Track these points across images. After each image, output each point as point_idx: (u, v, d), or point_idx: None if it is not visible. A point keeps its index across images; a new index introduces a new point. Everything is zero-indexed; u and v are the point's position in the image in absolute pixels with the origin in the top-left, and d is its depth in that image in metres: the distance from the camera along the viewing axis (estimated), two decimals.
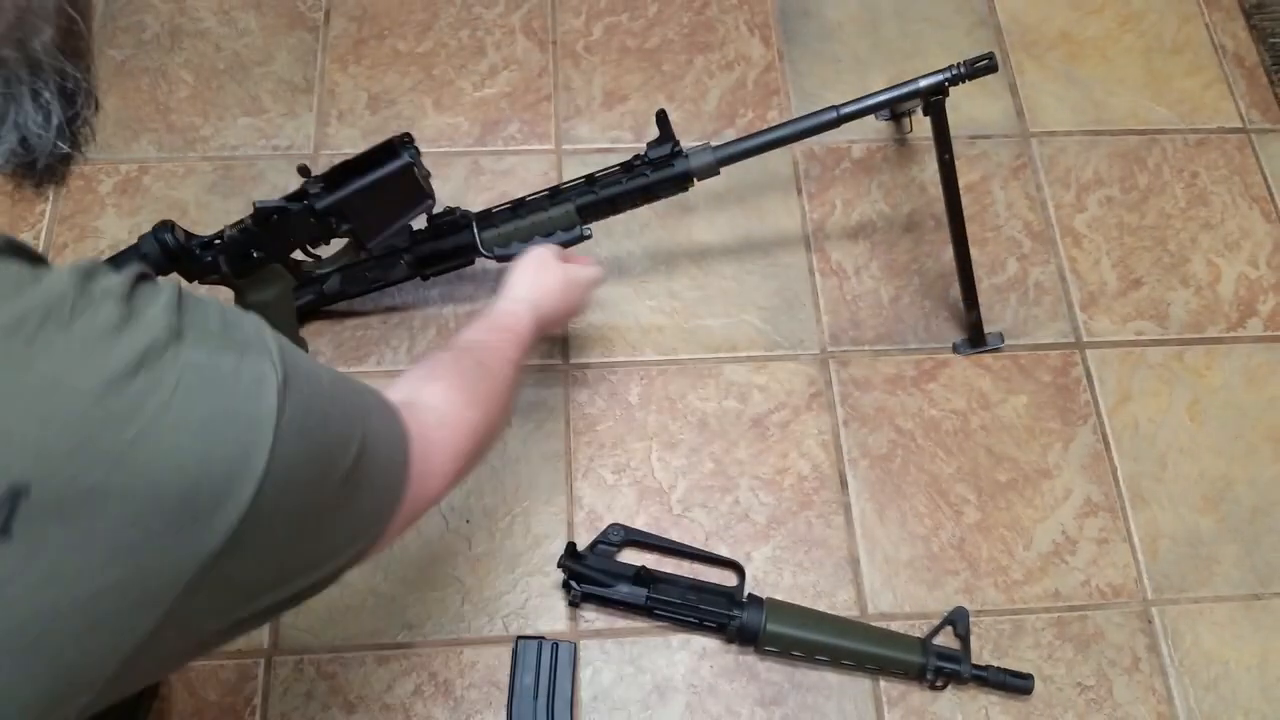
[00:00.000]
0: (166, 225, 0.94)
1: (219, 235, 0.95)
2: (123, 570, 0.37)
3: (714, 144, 1.00)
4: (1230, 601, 1.04)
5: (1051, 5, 1.38)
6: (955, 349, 1.15)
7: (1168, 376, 1.15)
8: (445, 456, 0.62)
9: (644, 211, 1.21)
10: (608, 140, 1.24)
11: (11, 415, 0.35)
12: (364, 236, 0.95)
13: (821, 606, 1.00)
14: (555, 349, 1.13)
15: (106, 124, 1.22)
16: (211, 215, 1.16)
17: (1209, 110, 1.32)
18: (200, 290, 0.95)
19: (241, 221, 0.95)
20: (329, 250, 1.02)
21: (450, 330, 1.14)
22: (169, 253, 0.93)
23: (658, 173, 0.99)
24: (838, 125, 1.00)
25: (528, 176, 1.21)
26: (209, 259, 0.96)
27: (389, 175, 0.91)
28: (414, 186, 0.92)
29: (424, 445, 0.57)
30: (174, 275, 0.96)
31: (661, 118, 0.98)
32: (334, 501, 0.47)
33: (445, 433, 0.63)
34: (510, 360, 0.78)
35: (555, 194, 1.01)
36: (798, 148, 1.25)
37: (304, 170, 0.92)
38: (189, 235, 0.95)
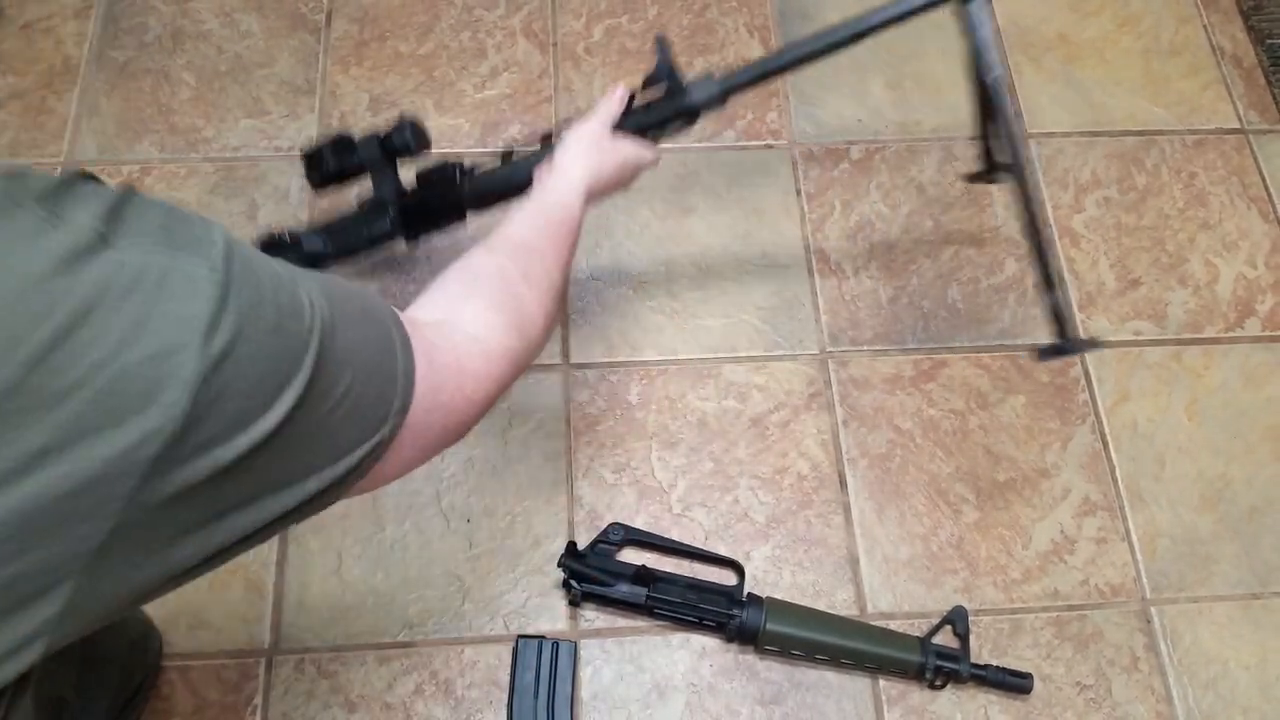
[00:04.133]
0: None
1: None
2: (46, 477, 0.36)
3: (717, 75, 0.91)
4: (1229, 601, 1.04)
5: (1049, 7, 1.38)
6: (1042, 355, 0.94)
7: (1166, 376, 1.15)
8: (479, 386, 0.59)
9: (644, 211, 1.22)
10: None
11: None
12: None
13: (821, 606, 1.00)
14: (555, 349, 1.13)
15: (108, 125, 1.22)
16: (213, 216, 1.16)
17: (1207, 111, 1.32)
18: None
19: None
20: None
21: None
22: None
23: (660, 109, 0.90)
24: (850, 44, 0.89)
25: None
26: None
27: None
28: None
29: (455, 374, 0.56)
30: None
31: (661, 46, 0.90)
32: (300, 418, 0.43)
33: (481, 362, 0.59)
34: (562, 263, 0.73)
35: (547, 140, 0.93)
36: (797, 149, 1.25)
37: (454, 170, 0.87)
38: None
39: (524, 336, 0.65)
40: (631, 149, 0.88)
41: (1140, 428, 1.12)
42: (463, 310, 0.62)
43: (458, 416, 0.57)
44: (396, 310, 0.54)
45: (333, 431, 0.46)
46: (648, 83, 0.90)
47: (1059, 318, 0.90)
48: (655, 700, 0.97)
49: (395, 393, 0.50)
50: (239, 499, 0.43)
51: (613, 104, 0.89)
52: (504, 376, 0.62)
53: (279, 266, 0.45)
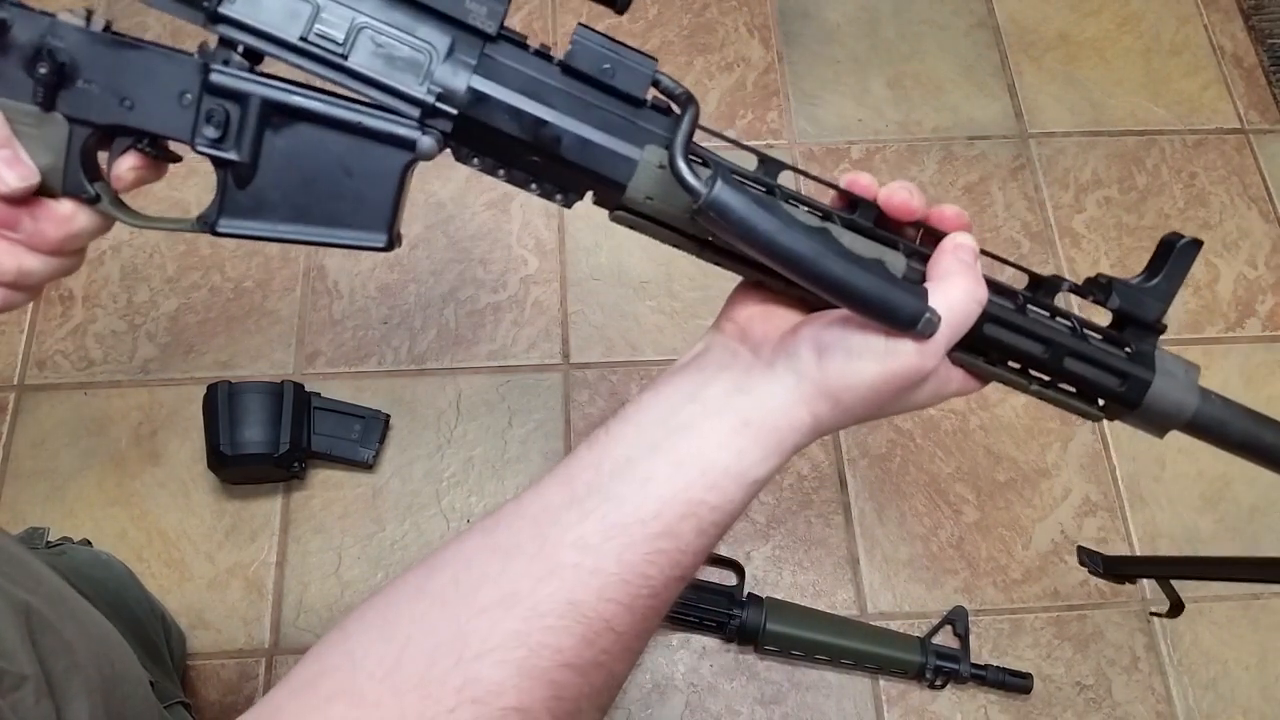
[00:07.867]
0: None
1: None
2: None
3: None
4: (1229, 601, 1.04)
5: (1050, 6, 1.38)
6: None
7: None
8: None
9: None
10: None
11: None
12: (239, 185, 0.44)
13: (821, 606, 1.00)
14: (555, 349, 1.13)
15: None
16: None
17: (1207, 111, 1.32)
18: None
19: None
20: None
21: (453, 332, 1.14)
22: None
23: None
24: None
25: None
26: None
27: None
28: (394, 182, 0.43)
29: None
30: None
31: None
32: None
33: None
34: (644, 642, 0.38)
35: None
36: (797, 149, 1.25)
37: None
38: None
39: None
40: (959, 382, 0.47)
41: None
42: None
43: None
44: None
45: None
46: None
47: None
48: (655, 700, 0.97)
49: None
50: None
51: (973, 294, 0.44)
52: None
53: None
